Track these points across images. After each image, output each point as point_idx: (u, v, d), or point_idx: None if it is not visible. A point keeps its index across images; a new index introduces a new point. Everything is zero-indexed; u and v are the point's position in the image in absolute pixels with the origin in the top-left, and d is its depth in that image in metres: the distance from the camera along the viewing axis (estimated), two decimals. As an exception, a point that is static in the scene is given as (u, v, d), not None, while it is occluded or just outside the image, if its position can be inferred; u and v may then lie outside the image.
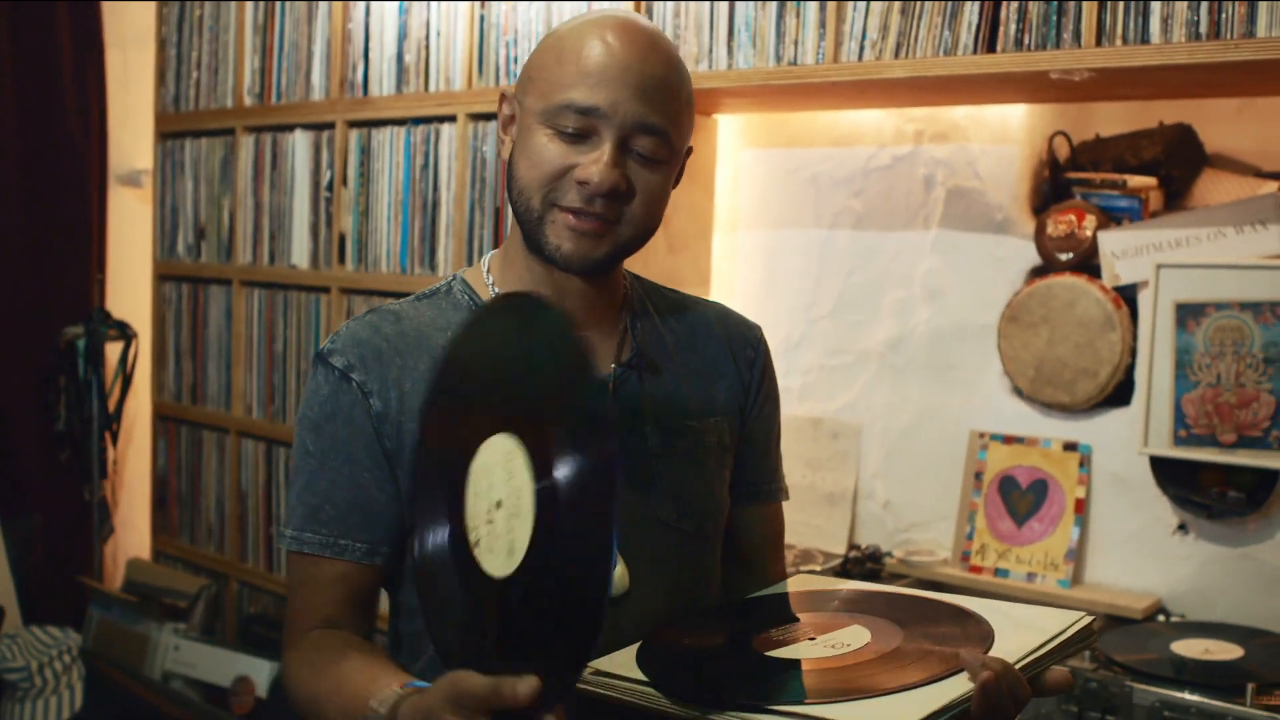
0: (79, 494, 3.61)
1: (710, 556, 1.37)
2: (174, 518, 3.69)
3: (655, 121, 1.23)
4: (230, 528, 3.49)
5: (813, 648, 1.15)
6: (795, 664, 1.12)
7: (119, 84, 3.84)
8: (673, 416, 1.34)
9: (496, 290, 1.34)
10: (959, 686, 1.03)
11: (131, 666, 3.18)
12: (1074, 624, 1.14)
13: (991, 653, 1.08)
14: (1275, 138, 2.37)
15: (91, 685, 3.09)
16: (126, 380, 3.64)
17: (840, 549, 2.72)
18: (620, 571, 1.27)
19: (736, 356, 1.43)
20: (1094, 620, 1.16)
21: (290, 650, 1.29)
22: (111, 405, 3.59)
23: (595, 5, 2.65)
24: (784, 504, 1.51)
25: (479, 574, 1.03)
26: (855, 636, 1.16)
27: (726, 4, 2.44)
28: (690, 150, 1.35)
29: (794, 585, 1.39)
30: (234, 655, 3.15)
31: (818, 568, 2.59)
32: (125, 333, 3.59)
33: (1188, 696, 1.91)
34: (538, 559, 0.99)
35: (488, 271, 1.37)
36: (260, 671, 3.07)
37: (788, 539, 2.77)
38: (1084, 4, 2.02)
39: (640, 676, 1.13)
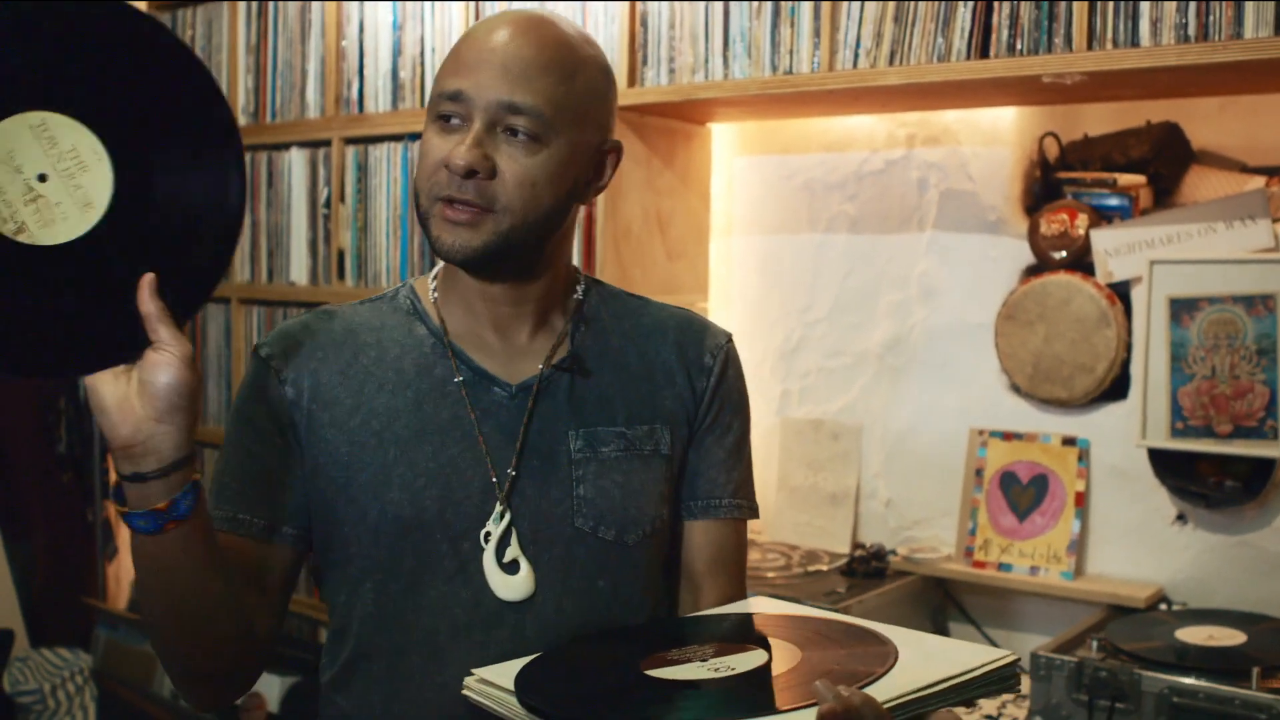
0: (81, 515, 3.63)
1: (636, 568, 1.33)
2: (176, 536, 3.70)
3: (520, 99, 1.22)
4: (234, 544, 3.50)
5: (698, 669, 1.12)
6: (667, 684, 1.10)
7: (110, 106, 3.86)
8: (601, 421, 1.32)
9: (437, 297, 1.35)
10: (806, 717, 1.00)
11: (140, 685, 3.20)
12: (989, 662, 1.10)
13: (887, 678, 1.05)
14: (1259, 133, 2.43)
15: (102, 705, 3.10)
16: (126, 400, 3.65)
17: (844, 548, 2.76)
18: (524, 577, 1.26)
19: (690, 364, 1.38)
20: (1017, 659, 1.12)
21: None
22: (112, 426, 3.61)
23: (589, 6, 2.68)
24: (751, 520, 1.43)
25: (38, 255, 1.07)
26: (749, 660, 1.14)
27: (721, 15, 2.48)
28: (615, 146, 1.33)
29: (740, 607, 1.34)
30: (243, 671, 3.16)
31: (824, 568, 2.63)
32: (125, 353, 3.61)
33: (1195, 682, 1.96)
34: (132, 192, 1.08)
35: (434, 278, 1.38)
36: (271, 687, 3.08)
37: (793, 540, 2.84)
38: (1075, 8, 2.07)
39: (510, 686, 1.12)
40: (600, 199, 2.68)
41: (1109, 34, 2.05)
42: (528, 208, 1.24)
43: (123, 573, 3.89)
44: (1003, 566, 2.54)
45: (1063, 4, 2.09)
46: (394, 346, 1.32)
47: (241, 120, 3.42)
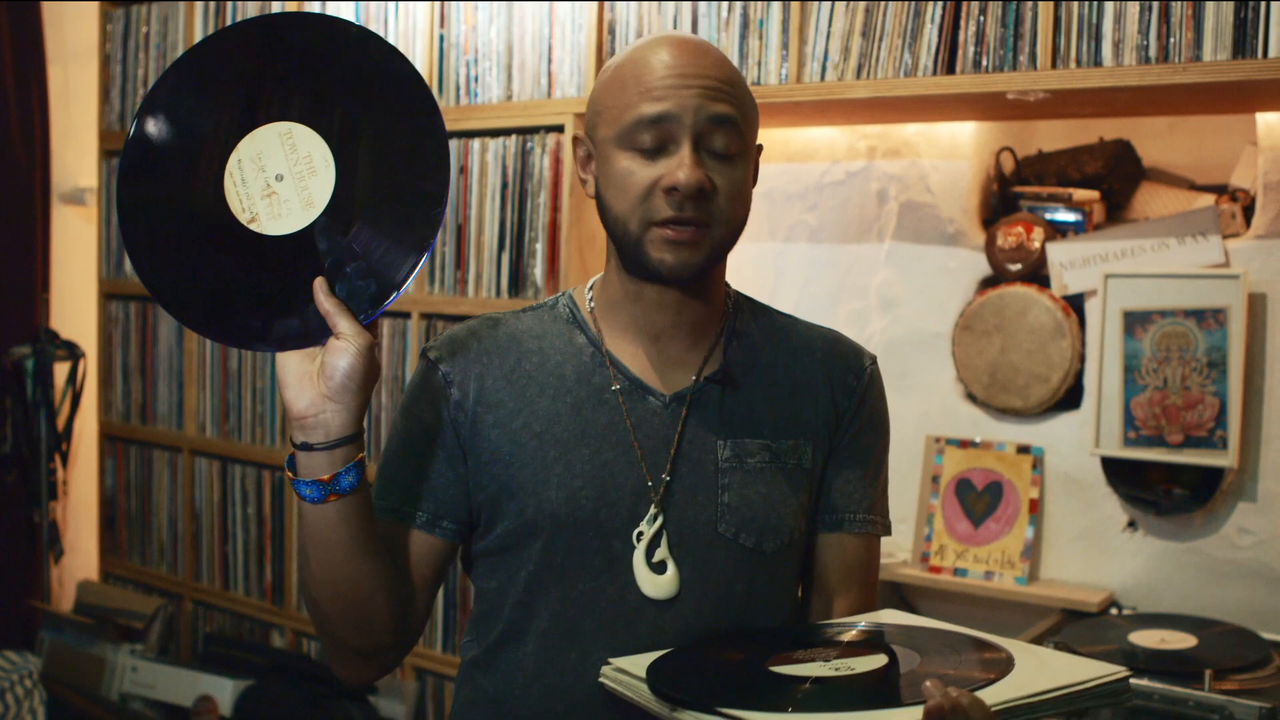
0: (25, 517, 3.56)
1: (772, 576, 1.38)
2: (123, 538, 3.66)
3: (723, 111, 1.27)
4: (184, 547, 3.47)
5: (821, 668, 1.18)
6: (790, 679, 1.15)
7: (59, 101, 3.80)
8: (749, 433, 1.37)
9: (594, 307, 1.40)
10: (913, 714, 1.04)
11: (88, 689, 3.16)
12: (1101, 676, 1.13)
13: (1000, 684, 1.10)
14: (1206, 152, 2.51)
15: (50, 708, 3.05)
16: (76, 400, 3.60)
17: (802, 553, 2.79)
18: (670, 577, 1.31)
19: (835, 382, 1.42)
20: (1129, 675, 1.16)
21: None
22: (60, 425, 3.55)
23: (556, 8, 2.70)
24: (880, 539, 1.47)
25: (264, 243, 1.23)
26: (870, 663, 1.19)
27: (690, 24, 2.51)
28: (760, 148, 1.40)
29: (868, 617, 1.39)
30: (195, 675, 3.14)
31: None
32: (74, 352, 3.56)
33: (1150, 684, 2.02)
34: (347, 197, 1.23)
35: (589, 289, 1.43)
36: (223, 690, 3.06)
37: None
38: (1039, 27, 2.12)
39: (641, 675, 1.19)
40: (564, 206, 2.69)
41: (1072, 53, 2.11)
42: (736, 218, 1.31)
43: (64, 575, 3.83)
44: (958, 572, 2.59)
45: (1028, 23, 2.14)
46: (555, 354, 1.38)
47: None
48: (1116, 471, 2.44)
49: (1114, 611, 2.42)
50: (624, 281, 1.36)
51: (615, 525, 1.32)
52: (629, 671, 1.22)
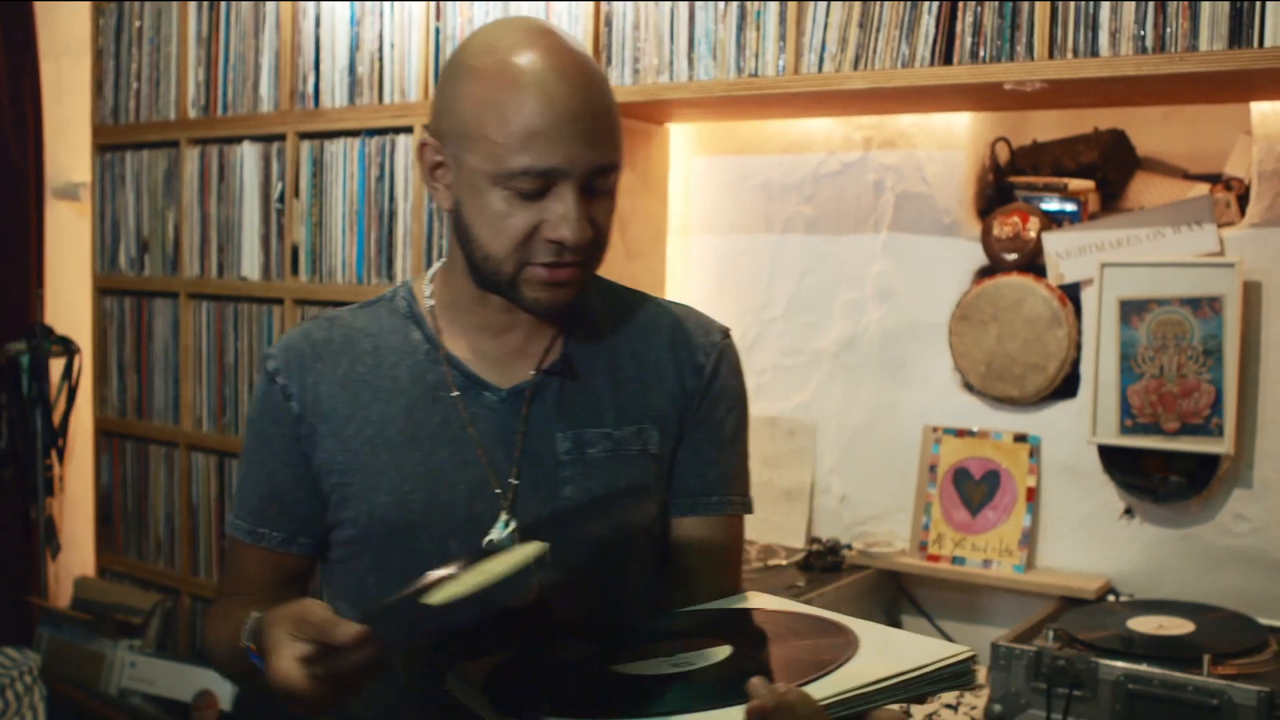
0: (21, 513, 3.56)
1: (624, 566, 1.35)
2: (119, 534, 3.66)
3: (609, 159, 1.23)
4: (181, 542, 3.47)
5: (661, 665, 1.15)
6: (628, 680, 1.13)
7: (52, 96, 3.79)
8: (589, 423, 1.33)
9: (433, 304, 1.36)
10: (735, 715, 1.01)
11: (87, 684, 3.16)
12: (943, 659, 1.10)
13: (836, 673, 1.06)
14: (1200, 141, 2.52)
15: (49, 705, 3.06)
16: (71, 395, 3.59)
17: (799, 543, 2.81)
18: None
19: (681, 362, 1.38)
20: (972, 655, 1.12)
21: (208, 612, 1.38)
22: (56, 421, 3.55)
23: (553, 6, 2.70)
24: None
25: None
26: (710, 656, 1.16)
27: (686, 17, 2.51)
28: None
29: (725, 603, 1.35)
30: (194, 669, 3.14)
31: (783, 562, 2.68)
32: (69, 348, 3.55)
33: (1149, 669, 2.03)
34: None
35: (429, 281, 1.38)
36: (223, 685, 3.06)
37: (749, 535, 2.86)
38: (1036, 17, 2.13)
39: (480, 684, 1.16)
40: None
41: (1069, 43, 2.11)
42: (607, 243, 1.29)
43: (60, 571, 3.82)
44: (956, 560, 2.60)
45: (1025, 13, 2.15)
46: (390, 354, 1.34)
47: (191, 113, 3.39)
48: (1113, 459, 2.46)
49: (1111, 598, 2.44)
50: (471, 288, 1.32)
51: (450, 526, 1.28)
52: (469, 680, 1.18)
